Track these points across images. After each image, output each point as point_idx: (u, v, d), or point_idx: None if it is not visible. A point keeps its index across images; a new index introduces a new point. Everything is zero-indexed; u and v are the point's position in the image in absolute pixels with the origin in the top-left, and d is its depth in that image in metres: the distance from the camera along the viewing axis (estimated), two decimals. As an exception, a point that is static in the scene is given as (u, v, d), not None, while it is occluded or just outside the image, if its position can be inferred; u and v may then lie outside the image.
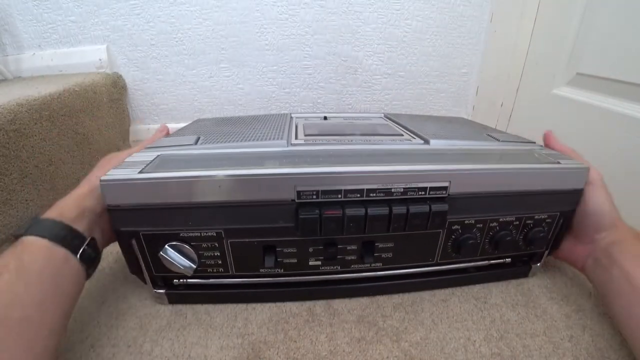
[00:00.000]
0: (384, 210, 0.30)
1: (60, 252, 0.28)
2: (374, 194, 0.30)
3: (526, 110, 0.78)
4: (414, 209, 0.30)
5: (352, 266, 0.35)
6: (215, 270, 0.34)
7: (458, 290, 0.39)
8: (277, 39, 0.76)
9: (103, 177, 0.28)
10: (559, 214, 0.35)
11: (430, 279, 0.38)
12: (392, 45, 0.77)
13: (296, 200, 0.30)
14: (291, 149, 0.35)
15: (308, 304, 0.37)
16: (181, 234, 0.31)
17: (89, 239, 0.30)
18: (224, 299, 0.37)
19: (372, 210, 0.30)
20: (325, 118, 0.54)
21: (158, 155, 0.33)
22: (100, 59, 0.76)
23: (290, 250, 0.33)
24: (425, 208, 0.31)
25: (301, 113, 0.57)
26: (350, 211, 0.30)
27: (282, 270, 0.34)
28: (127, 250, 0.32)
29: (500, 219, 0.34)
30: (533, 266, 0.40)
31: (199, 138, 0.39)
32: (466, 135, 0.43)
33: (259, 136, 0.39)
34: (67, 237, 0.28)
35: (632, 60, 0.52)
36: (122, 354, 0.31)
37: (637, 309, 0.28)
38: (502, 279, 0.40)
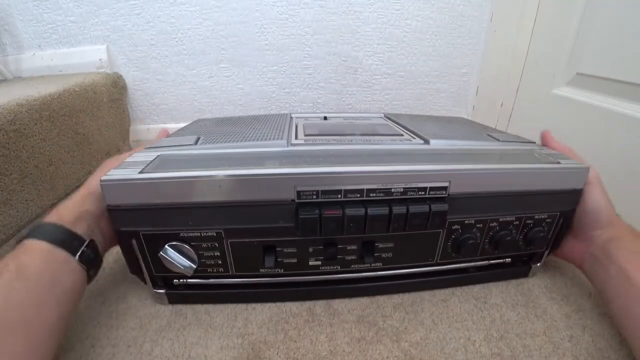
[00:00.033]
0: (384, 210, 0.30)
1: (60, 254, 0.28)
2: (374, 194, 0.30)
3: (526, 110, 0.78)
4: (413, 209, 0.30)
5: (352, 266, 0.35)
6: (215, 270, 0.34)
7: (458, 290, 0.39)
8: (277, 39, 0.76)
9: (103, 177, 0.28)
10: (559, 213, 0.35)
11: (430, 279, 0.38)
12: (392, 45, 0.77)
13: (296, 200, 0.30)
14: (291, 149, 0.35)
15: (308, 304, 0.37)
16: (181, 234, 0.31)
17: (88, 241, 0.30)
18: (224, 299, 0.37)
19: (372, 210, 0.30)
20: (325, 118, 0.54)
21: (158, 156, 0.33)
22: (100, 59, 0.76)
23: (290, 250, 0.33)
24: (425, 208, 0.31)
25: (301, 113, 0.57)
26: (350, 211, 0.30)
27: (282, 270, 0.34)
28: (127, 250, 0.32)
29: (500, 219, 0.34)
30: (533, 266, 0.40)
31: (199, 138, 0.39)
32: (466, 135, 0.43)
33: (259, 136, 0.39)
34: (66, 239, 0.29)
35: (632, 60, 0.52)
36: (122, 354, 0.31)
37: (634, 307, 0.28)
38: (502, 279, 0.40)
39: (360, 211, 0.30)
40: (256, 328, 0.34)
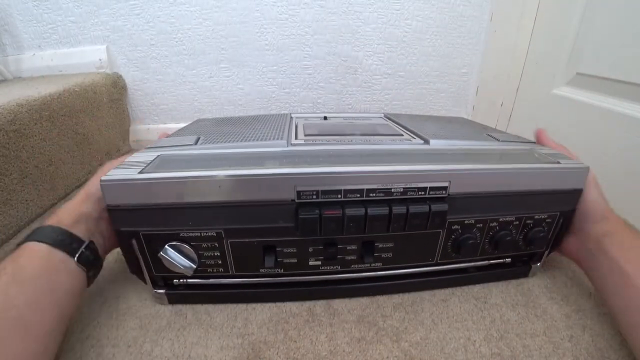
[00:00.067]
0: (384, 210, 0.30)
1: (58, 255, 0.28)
2: (374, 194, 0.30)
3: (526, 110, 0.78)
4: (413, 208, 0.30)
5: (352, 266, 0.35)
6: (215, 270, 0.34)
7: (458, 290, 0.39)
8: (277, 39, 0.76)
9: (103, 177, 0.28)
10: (559, 213, 0.35)
11: (430, 279, 0.38)
12: (392, 45, 0.77)
13: (296, 200, 0.30)
14: (291, 149, 0.35)
15: (308, 304, 0.37)
16: (181, 234, 0.31)
17: (87, 242, 0.30)
18: (224, 299, 0.37)
19: (372, 210, 0.30)
20: (325, 118, 0.54)
21: (158, 156, 0.33)
22: (100, 59, 0.76)
23: (290, 250, 0.33)
24: (425, 208, 0.31)
25: (301, 113, 0.57)
26: (350, 211, 0.30)
27: (282, 270, 0.34)
28: (127, 250, 0.32)
29: (500, 219, 0.34)
30: (533, 266, 0.40)
31: (199, 138, 0.39)
32: (466, 135, 0.43)
33: (259, 136, 0.39)
34: (64, 241, 0.29)
35: (632, 60, 0.52)
36: (122, 354, 0.31)
37: (628, 300, 0.29)
38: (502, 279, 0.40)
39: (360, 211, 0.30)
40: (256, 328, 0.34)
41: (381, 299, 0.37)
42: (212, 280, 0.35)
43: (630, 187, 0.51)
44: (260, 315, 0.35)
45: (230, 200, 0.30)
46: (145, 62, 0.78)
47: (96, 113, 0.68)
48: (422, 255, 0.36)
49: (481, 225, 0.34)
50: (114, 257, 0.43)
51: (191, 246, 0.32)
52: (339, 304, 0.37)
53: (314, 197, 0.30)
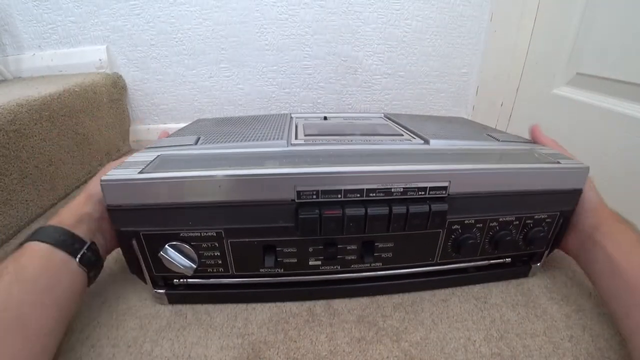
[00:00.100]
0: (384, 210, 0.30)
1: (60, 255, 0.28)
2: (374, 194, 0.30)
3: (526, 110, 0.78)
4: (413, 208, 0.30)
5: (352, 266, 0.35)
6: (215, 270, 0.34)
7: (458, 290, 0.39)
8: (277, 39, 0.76)
9: (103, 177, 0.28)
10: (559, 213, 0.35)
11: (430, 279, 0.38)
12: (392, 45, 0.77)
13: (296, 200, 0.30)
14: (291, 149, 0.35)
15: (308, 304, 0.37)
16: (181, 234, 0.31)
17: (89, 243, 0.30)
18: (224, 299, 0.37)
19: (372, 210, 0.30)
20: (325, 118, 0.54)
21: (158, 156, 0.33)
22: (100, 59, 0.76)
23: (290, 250, 0.33)
24: (425, 208, 0.31)
25: (301, 113, 0.57)
26: (350, 211, 0.30)
27: (282, 270, 0.34)
28: (127, 250, 0.32)
29: (500, 219, 0.34)
30: (533, 266, 0.40)
31: (199, 138, 0.39)
32: (466, 135, 0.43)
33: (259, 136, 0.39)
34: (66, 241, 0.29)
35: (632, 60, 0.52)
36: (122, 354, 0.31)
37: (620, 291, 0.29)
38: (502, 279, 0.40)
39: (360, 211, 0.30)
40: (256, 328, 0.34)
41: (381, 299, 0.37)
42: (212, 280, 0.35)
43: (630, 187, 0.51)
44: (260, 315, 0.35)
45: (230, 200, 0.30)
46: (145, 62, 0.78)
47: (96, 113, 0.68)
48: (422, 255, 0.36)
49: (481, 225, 0.34)
50: (114, 257, 0.43)
51: (191, 246, 0.32)
52: (339, 304, 0.37)
53: (314, 197, 0.30)
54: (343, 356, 0.31)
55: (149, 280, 0.35)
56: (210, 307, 0.36)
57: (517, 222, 0.35)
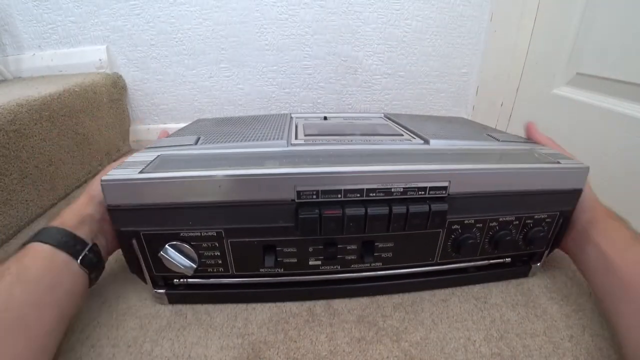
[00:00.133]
0: (384, 210, 0.30)
1: (61, 256, 0.28)
2: (374, 194, 0.30)
3: (526, 110, 0.78)
4: (413, 208, 0.30)
5: (352, 266, 0.35)
6: (215, 270, 0.34)
7: (458, 290, 0.39)
8: (277, 39, 0.76)
9: (104, 177, 0.28)
10: (558, 213, 0.35)
11: (430, 279, 0.38)
12: (392, 45, 0.77)
13: (296, 200, 0.30)
14: (291, 149, 0.35)
15: (308, 304, 0.37)
16: (181, 234, 0.31)
17: (91, 245, 0.31)
18: (224, 299, 0.37)
19: (372, 210, 0.30)
20: (325, 118, 0.54)
21: (158, 156, 0.33)
22: (100, 59, 0.76)
23: (290, 250, 0.33)
24: (425, 208, 0.31)
25: (301, 113, 0.57)
26: (350, 211, 0.30)
27: (282, 270, 0.34)
28: (127, 250, 0.32)
29: (500, 219, 0.34)
30: (533, 266, 0.40)
31: (199, 138, 0.39)
32: (466, 135, 0.43)
33: (259, 136, 0.39)
34: (68, 242, 0.29)
35: (632, 60, 0.52)
36: (122, 354, 0.31)
37: (614, 288, 0.30)
38: (502, 279, 0.40)
39: (360, 211, 0.30)
40: (256, 328, 0.34)
41: (381, 299, 0.37)
42: (212, 280, 0.35)
43: (630, 187, 0.51)
44: (260, 315, 0.35)
45: (230, 200, 0.30)
46: (145, 62, 0.78)
47: (96, 113, 0.68)
48: (422, 255, 0.36)
49: (481, 225, 0.34)
50: (114, 257, 0.43)
51: (191, 246, 0.32)
52: (339, 304, 0.37)
53: (314, 197, 0.30)
54: (343, 356, 0.31)
55: (149, 280, 0.35)
56: (210, 307, 0.36)
57: (517, 222, 0.35)
